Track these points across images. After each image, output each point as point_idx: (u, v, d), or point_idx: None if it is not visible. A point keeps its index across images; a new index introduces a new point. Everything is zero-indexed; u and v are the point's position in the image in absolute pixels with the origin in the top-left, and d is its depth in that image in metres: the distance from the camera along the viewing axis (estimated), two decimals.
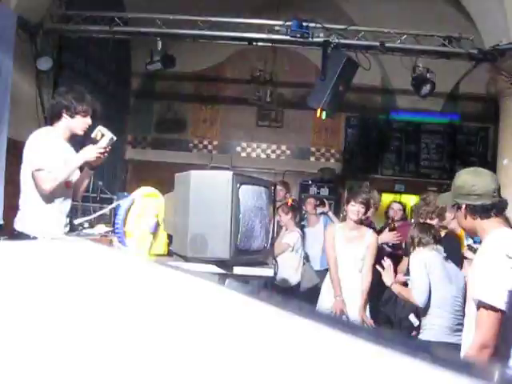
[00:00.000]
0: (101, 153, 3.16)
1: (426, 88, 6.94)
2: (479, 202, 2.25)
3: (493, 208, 2.26)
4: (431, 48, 6.77)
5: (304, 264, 5.90)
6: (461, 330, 2.72)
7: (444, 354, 0.47)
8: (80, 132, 3.28)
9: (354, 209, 4.23)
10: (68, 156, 3.25)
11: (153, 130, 10.71)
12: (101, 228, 3.11)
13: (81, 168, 3.31)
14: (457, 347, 2.63)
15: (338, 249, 4.26)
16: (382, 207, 6.17)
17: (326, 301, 4.34)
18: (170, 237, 2.65)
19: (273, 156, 10.68)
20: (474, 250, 3.53)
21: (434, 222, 4.13)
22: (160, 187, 2.83)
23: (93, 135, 3.18)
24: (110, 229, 3.01)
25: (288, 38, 6.59)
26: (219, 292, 0.73)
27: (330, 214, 6.67)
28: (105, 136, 3.16)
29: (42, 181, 3.07)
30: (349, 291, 4.17)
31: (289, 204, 5.98)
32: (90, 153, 3.15)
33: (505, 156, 6.45)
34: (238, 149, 10.65)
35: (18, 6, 5.88)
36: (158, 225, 2.69)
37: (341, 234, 4.31)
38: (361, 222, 4.43)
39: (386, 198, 8.17)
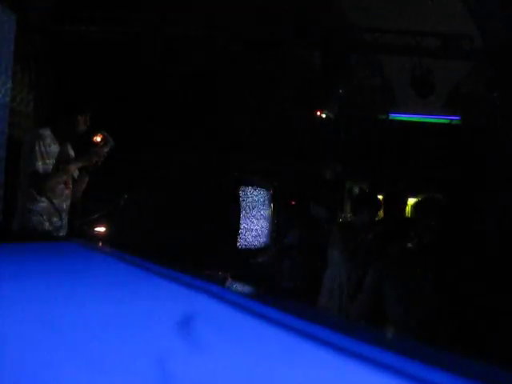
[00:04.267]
0: (100, 158, 3.17)
1: (426, 88, 6.95)
2: None
3: None
4: (431, 48, 6.77)
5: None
6: None
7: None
8: (79, 133, 3.28)
9: None
10: (67, 157, 3.25)
11: (152, 130, 10.70)
12: (100, 228, 3.11)
13: (80, 168, 3.31)
14: None
15: None
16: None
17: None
18: None
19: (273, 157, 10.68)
20: None
21: None
22: (160, 188, 2.83)
23: (94, 139, 3.19)
24: (110, 229, 3.02)
25: (288, 38, 6.60)
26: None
27: None
28: (106, 141, 3.17)
29: (40, 182, 3.07)
30: None
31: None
32: (90, 157, 3.16)
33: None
34: (238, 150, 10.64)
35: (18, 6, 5.87)
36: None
37: None
38: None
39: None
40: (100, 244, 2.29)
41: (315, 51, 7.25)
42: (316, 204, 6.69)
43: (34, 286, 0.78)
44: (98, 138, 3.17)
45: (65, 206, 3.28)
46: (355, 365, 0.48)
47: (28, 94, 6.49)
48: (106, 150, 3.18)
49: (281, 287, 5.47)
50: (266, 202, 2.69)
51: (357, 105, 9.82)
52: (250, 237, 2.51)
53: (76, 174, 3.33)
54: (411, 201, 8.18)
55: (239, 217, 2.37)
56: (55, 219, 3.20)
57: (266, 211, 2.71)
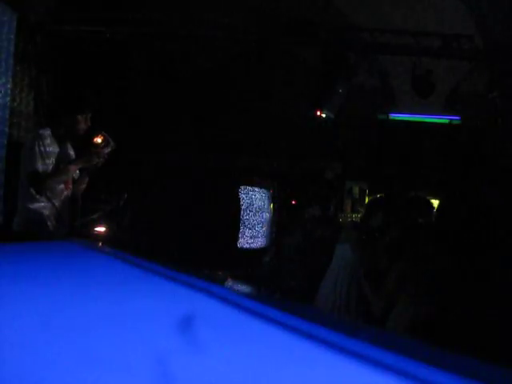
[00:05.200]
0: (100, 159, 3.18)
1: (426, 88, 6.95)
2: None
3: None
4: (431, 48, 6.77)
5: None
6: None
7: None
8: (80, 133, 3.28)
9: None
10: (67, 157, 3.25)
11: (152, 130, 10.71)
12: (100, 228, 3.12)
13: (80, 169, 3.32)
14: None
15: None
16: None
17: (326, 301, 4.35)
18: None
19: (273, 157, 10.70)
20: None
21: None
22: (159, 188, 2.83)
23: (94, 140, 3.19)
24: (110, 229, 3.02)
25: (288, 38, 6.60)
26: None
27: None
28: (107, 143, 3.17)
29: (40, 182, 3.07)
30: None
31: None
32: (90, 158, 3.16)
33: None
34: (238, 150, 10.65)
35: (19, 6, 5.88)
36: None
37: None
38: None
39: None
40: (100, 244, 2.30)
41: (315, 51, 7.24)
42: (316, 204, 6.69)
43: (33, 285, 0.78)
44: (98, 140, 3.17)
45: (65, 206, 3.28)
46: (355, 365, 0.48)
47: (28, 94, 6.49)
48: (106, 151, 3.18)
49: (281, 287, 5.47)
50: (266, 202, 2.69)
51: (357, 105, 9.82)
52: (250, 237, 2.51)
53: (76, 174, 3.33)
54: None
55: (239, 217, 2.38)
56: (55, 219, 3.20)
57: (266, 211, 2.72)
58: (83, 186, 3.48)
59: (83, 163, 3.20)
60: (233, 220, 2.19)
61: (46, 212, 3.15)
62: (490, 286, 2.44)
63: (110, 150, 3.19)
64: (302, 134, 10.42)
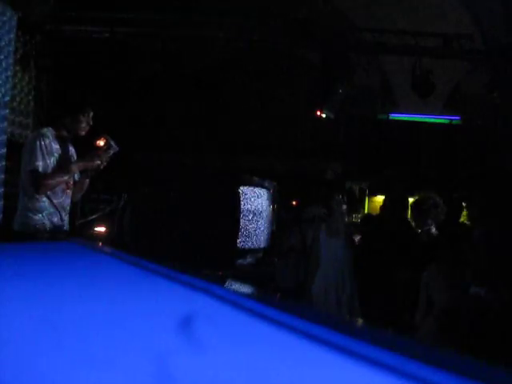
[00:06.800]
0: (102, 161, 3.17)
1: (426, 88, 6.95)
2: None
3: None
4: (431, 48, 6.77)
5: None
6: None
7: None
8: (81, 133, 3.28)
9: None
10: (68, 157, 3.25)
11: (152, 130, 10.71)
12: (100, 228, 3.11)
13: (81, 171, 3.31)
14: None
15: None
16: None
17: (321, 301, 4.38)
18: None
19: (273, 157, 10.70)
20: None
21: None
22: (159, 188, 2.83)
23: (97, 143, 3.18)
24: (110, 229, 3.02)
25: (288, 38, 6.60)
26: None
27: None
28: (109, 146, 3.17)
29: (38, 183, 3.06)
30: None
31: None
32: (91, 161, 3.16)
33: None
34: (238, 150, 10.65)
35: (19, 6, 5.88)
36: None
37: None
38: None
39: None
40: (100, 244, 2.30)
41: (315, 51, 7.25)
42: (316, 204, 6.68)
43: (33, 286, 0.78)
44: (100, 142, 3.17)
45: (65, 206, 3.27)
46: (355, 365, 0.48)
47: (28, 93, 6.49)
48: (108, 154, 3.18)
49: (280, 288, 5.46)
50: (266, 202, 2.71)
51: (357, 105, 9.82)
52: (249, 237, 2.52)
53: (77, 176, 3.33)
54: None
55: (239, 217, 2.39)
56: (55, 219, 3.19)
57: (265, 211, 2.73)
58: (84, 188, 3.47)
59: (85, 164, 3.19)
60: (233, 220, 2.19)
61: (47, 211, 3.15)
62: None
63: (112, 152, 3.19)
64: (302, 134, 10.42)
